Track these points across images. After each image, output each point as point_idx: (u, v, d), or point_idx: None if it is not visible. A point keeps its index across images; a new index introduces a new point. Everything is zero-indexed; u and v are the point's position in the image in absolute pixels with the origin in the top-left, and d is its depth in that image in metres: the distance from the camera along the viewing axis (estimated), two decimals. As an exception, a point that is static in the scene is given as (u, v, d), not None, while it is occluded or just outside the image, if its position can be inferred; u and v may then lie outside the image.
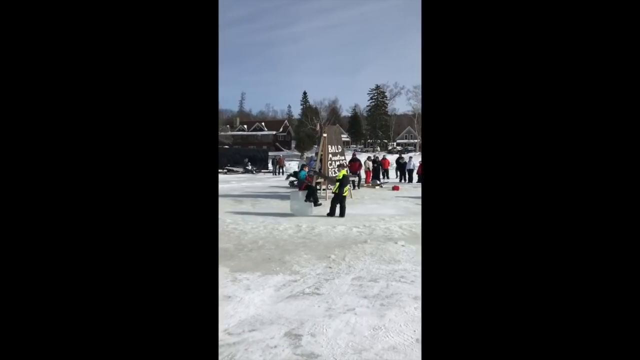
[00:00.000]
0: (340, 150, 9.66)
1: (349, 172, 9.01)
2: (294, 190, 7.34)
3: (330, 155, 9.46)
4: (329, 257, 4.19)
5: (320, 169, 9.33)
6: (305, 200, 7.12)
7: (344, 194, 6.84)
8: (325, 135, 9.58)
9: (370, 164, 13.99)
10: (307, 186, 7.28)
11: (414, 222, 6.12)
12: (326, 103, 62.72)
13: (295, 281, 3.41)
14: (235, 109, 75.47)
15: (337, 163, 9.49)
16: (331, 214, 6.76)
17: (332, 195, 7.01)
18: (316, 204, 7.24)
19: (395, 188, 11.76)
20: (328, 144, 9.47)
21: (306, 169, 8.36)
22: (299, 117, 58.97)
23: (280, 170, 22.75)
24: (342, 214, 6.78)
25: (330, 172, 9.34)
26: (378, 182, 13.25)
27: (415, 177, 14.94)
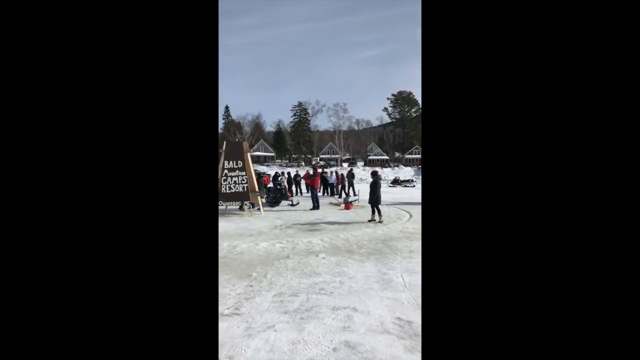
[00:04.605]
0: (240, 166, 9.43)
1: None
2: None
3: (226, 171, 9.29)
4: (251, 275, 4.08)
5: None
6: None
7: None
8: (222, 150, 9.35)
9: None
10: None
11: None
12: (249, 118, 61.85)
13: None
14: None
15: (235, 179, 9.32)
16: None
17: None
18: None
19: (347, 207, 10.84)
20: (226, 159, 9.30)
21: None
22: (220, 131, 57.26)
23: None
24: None
25: (225, 188, 9.23)
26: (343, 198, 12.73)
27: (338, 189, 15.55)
